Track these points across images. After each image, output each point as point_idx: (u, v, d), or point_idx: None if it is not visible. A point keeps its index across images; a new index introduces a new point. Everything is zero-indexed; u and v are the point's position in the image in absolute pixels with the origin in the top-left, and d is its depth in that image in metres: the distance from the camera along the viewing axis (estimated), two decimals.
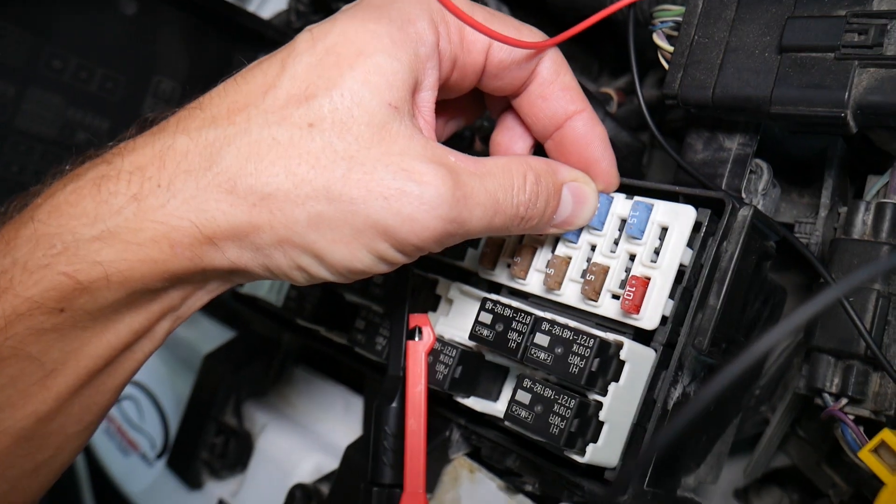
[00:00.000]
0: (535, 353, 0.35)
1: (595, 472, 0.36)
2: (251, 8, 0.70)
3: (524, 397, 0.35)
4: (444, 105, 0.36)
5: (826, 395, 0.37)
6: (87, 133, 0.58)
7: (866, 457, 0.32)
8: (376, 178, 0.30)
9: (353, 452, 0.45)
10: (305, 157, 0.30)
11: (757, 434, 0.49)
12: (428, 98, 0.34)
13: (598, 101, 0.50)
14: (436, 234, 0.31)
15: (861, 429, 0.36)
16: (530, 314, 0.36)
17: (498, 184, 0.33)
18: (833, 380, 0.37)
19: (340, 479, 0.45)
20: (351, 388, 0.54)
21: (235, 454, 0.53)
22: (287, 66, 0.31)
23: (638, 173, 0.54)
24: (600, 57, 0.70)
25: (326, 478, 0.48)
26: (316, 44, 0.31)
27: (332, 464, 0.49)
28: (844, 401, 0.36)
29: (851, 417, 0.36)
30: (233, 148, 0.30)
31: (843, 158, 0.40)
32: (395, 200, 0.30)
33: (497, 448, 0.42)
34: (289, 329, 0.54)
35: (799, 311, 0.26)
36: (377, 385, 0.47)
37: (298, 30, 0.63)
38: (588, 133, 0.37)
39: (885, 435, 0.31)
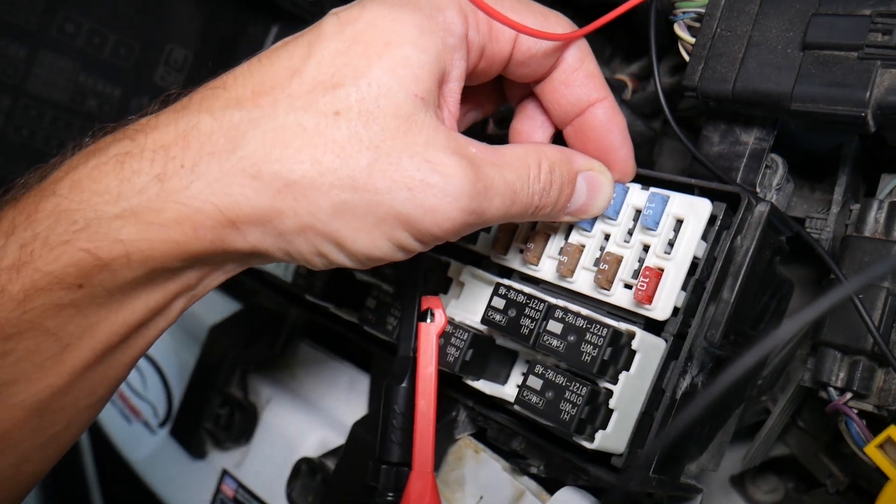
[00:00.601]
0: (547, 339, 0.36)
1: (601, 457, 0.37)
2: None
3: (535, 383, 0.36)
4: (466, 93, 0.36)
5: (831, 389, 0.38)
6: (98, 100, 0.58)
7: (872, 452, 0.33)
8: (401, 169, 0.30)
9: (360, 429, 0.46)
10: (331, 146, 0.30)
11: (756, 423, 0.50)
12: (454, 88, 0.34)
13: (613, 88, 0.50)
14: (456, 224, 0.31)
15: (864, 423, 0.36)
16: (544, 301, 0.37)
17: (515, 174, 0.33)
18: (839, 374, 0.37)
19: (347, 454, 0.45)
20: (356, 365, 0.54)
21: (240, 426, 0.54)
22: (314, 51, 0.31)
23: (649, 162, 0.55)
24: (613, 42, 0.69)
25: (332, 453, 0.48)
26: (343, 29, 0.31)
27: (336, 439, 0.50)
28: (849, 395, 0.37)
29: (855, 411, 0.36)
30: (258, 132, 0.30)
31: (858, 156, 0.40)
32: (419, 191, 0.30)
33: (503, 430, 0.42)
34: (296, 304, 0.54)
35: (812, 307, 0.26)
36: (385, 364, 0.48)
37: (314, 3, 0.63)
38: (608, 121, 0.37)
39: (892, 431, 0.32)
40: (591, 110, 0.37)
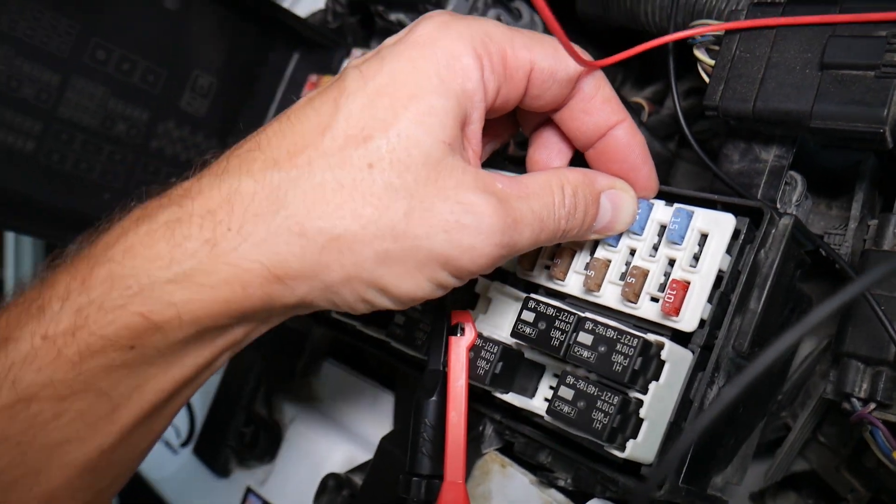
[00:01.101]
0: (578, 351, 0.37)
1: (630, 468, 0.38)
2: (285, 5, 0.71)
3: (567, 393, 0.37)
4: (484, 126, 0.38)
5: (854, 400, 0.38)
6: (127, 124, 0.60)
7: None
8: (436, 214, 0.32)
9: (388, 444, 0.46)
10: (369, 199, 0.31)
11: (776, 439, 0.51)
12: (476, 129, 0.35)
13: (632, 110, 0.51)
14: (491, 259, 0.33)
15: (889, 431, 0.37)
16: (573, 314, 0.38)
17: (541, 203, 0.34)
18: (862, 385, 0.38)
19: (375, 468, 0.46)
20: (380, 383, 0.55)
21: (265, 444, 0.54)
22: (341, 106, 0.32)
23: (665, 182, 0.56)
24: (625, 67, 0.71)
25: (359, 468, 0.49)
26: (367, 83, 0.33)
27: (362, 456, 0.50)
28: (872, 405, 0.38)
29: (881, 420, 0.37)
30: (299, 192, 0.31)
31: (875, 173, 0.42)
32: (455, 233, 0.32)
33: (530, 444, 0.43)
34: (320, 323, 0.55)
35: (825, 304, 0.27)
36: (410, 380, 0.49)
37: (335, 31, 0.65)
38: (629, 141, 0.38)
39: None
40: (611, 133, 0.38)
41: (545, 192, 0.35)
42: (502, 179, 0.34)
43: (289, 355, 0.59)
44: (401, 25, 0.60)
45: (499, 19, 0.59)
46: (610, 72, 0.70)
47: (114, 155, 0.60)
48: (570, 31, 0.67)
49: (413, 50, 0.33)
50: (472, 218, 0.32)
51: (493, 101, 0.35)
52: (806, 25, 0.38)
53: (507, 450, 0.46)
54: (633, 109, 0.52)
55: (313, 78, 0.63)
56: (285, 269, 0.31)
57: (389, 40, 0.35)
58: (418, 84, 0.32)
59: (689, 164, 0.59)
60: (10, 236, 0.92)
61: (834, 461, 0.49)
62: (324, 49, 0.65)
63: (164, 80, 0.60)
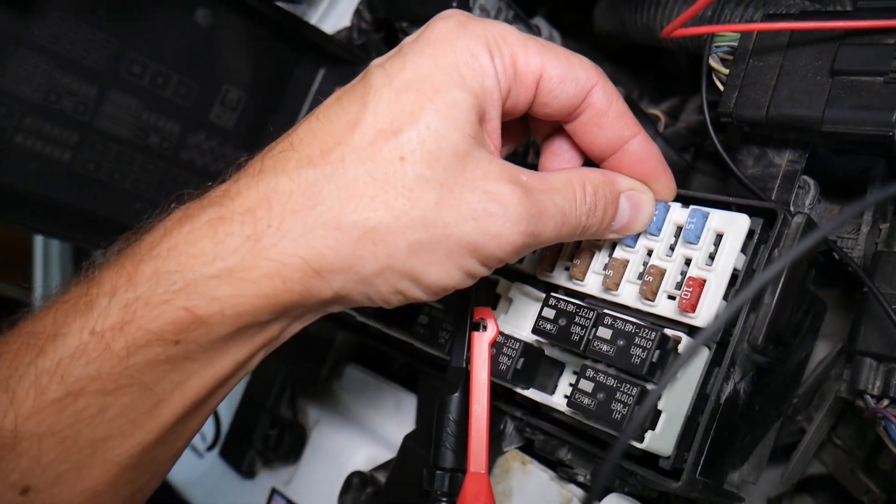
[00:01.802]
0: (597, 345, 0.38)
1: (649, 460, 0.39)
2: (312, 21, 0.74)
3: (587, 386, 0.38)
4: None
5: (868, 397, 0.39)
6: (159, 136, 0.62)
7: None
8: (465, 203, 0.33)
9: (411, 442, 0.47)
10: (401, 191, 0.32)
11: (791, 444, 0.51)
12: (495, 126, 0.36)
13: (649, 121, 0.53)
14: (517, 247, 0.34)
15: None
16: (593, 309, 0.39)
17: (563, 197, 0.36)
18: (875, 382, 0.39)
19: (398, 465, 0.47)
20: (402, 385, 0.56)
21: (289, 445, 0.55)
22: (369, 103, 0.34)
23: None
24: (641, 83, 0.73)
25: (382, 466, 0.50)
26: (392, 80, 0.34)
27: (385, 455, 0.51)
28: (886, 402, 0.39)
29: (893, 415, 0.38)
30: (333, 187, 0.33)
31: (886, 177, 0.43)
32: (483, 220, 0.33)
33: (550, 440, 0.44)
34: (343, 328, 0.57)
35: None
36: (432, 380, 0.50)
37: (360, 47, 0.67)
38: (644, 153, 0.39)
39: None
40: (626, 147, 0.39)
41: (567, 188, 0.36)
42: (527, 173, 0.35)
43: (313, 361, 0.60)
44: None
45: None
46: (626, 86, 0.72)
47: (146, 165, 0.62)
48: (586, 46, 0.69)
49: (433, 47, 0.34)
50: (499, 207, 0.33)
51: (504, 100, 0.36)
52: (818, 33, 0.40)
53: (527, 448, 0.47)
54: (650, 120, 0.54)
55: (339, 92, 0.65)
56: (322, 262, 0.32)
57: (409, 38, 0.36)
58: (441, 80, 0.34)
59: (704, 175, 0.61)
60: (38, 240, 0.94)
61: (849, 463, 0.49)
62: (349, 65, 0.68)
63: (195, 93, 0.63)
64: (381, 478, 0.49)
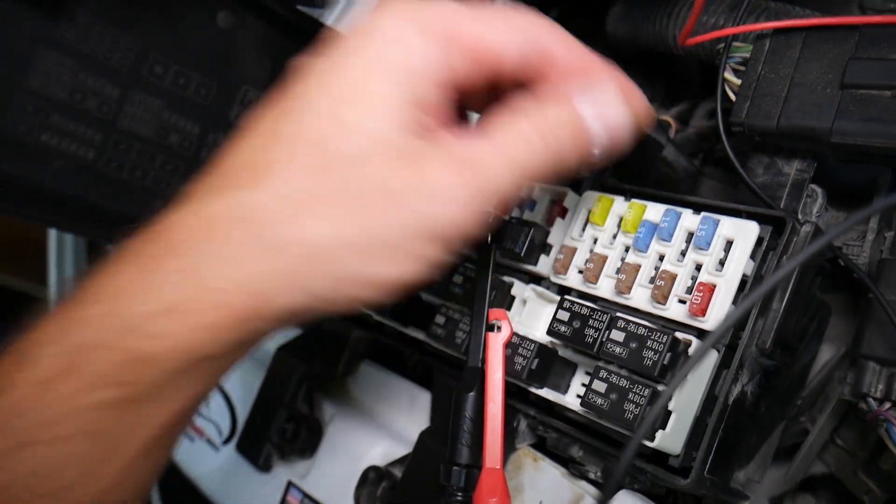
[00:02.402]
0: (610, 347, 0.39)
1: (658, 458, 0.40)
2: (329, 21, 0.75)
3: (600, 386, 0.39)
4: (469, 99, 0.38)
5: (870, 400, 0.41)
6: (179, 135, 0.63)
7: None
8: (405, 198, 0.31)
9: (427, 437, 0.49)
10: (338, 200, 0.31)
11: (795, 444, 0.53)
12: (437, 105, 0.34)
13: (660, 127, 0.54)
14: (472, 221, 0.32)
15: None
16: (606, 312, 0.41)
17: (513, 147, 0.33)
18: (878, 385, 0.40)
19: (414, 461, 0.49)
20: (416, 382, 0.58)
21: (305, 439, 0.57)
22: (291, 113, 0.32)
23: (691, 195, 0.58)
24: (653, 87, 0.74)
25: (398, 461, 0.51)
26: (309, 87, 0.33)
27: (399, 451, 0.53)
28: (888, 405, 0.40)
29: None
30: (269, 207, 0.31)
31: (892, 187, 0.44)
32: (427, 209, 0.31)
33: (562, 438, 0.46)
34: (358, 326, 0.58)
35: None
36: (447, 378, 0.51)
37: None
38: (557, 43, 0.36)
39: None
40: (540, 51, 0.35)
41: (513, 135, 0.33)
42: (470, 143, 0.33)
43: (329, 358, 0.62)
44: None
45: None
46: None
47: (166, 164, 0.63)
48: (598, 49, 0.70)
49: (356, 40, 0.33)
50: (439, 191, 0.31)
51: (451, 79, 0.34)
52: (828, 48, 0.41)
53: (539, 445, 0.48)
54: (661, 126, 0.55)
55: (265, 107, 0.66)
56: (267, 285, 0.31)
57: (335, 39, 0.35)
58: (364, 76, 0.32)
59: (713, 181, 0.62)
60: (52, 234, 0.95)
61: (851, 464, 0.51)
62: None
63: (215, 93, 0.64)
64: (397, 472, 0.50)
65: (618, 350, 0.39)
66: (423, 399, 0.55)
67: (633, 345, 0.39)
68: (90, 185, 0.60)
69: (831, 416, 0.48)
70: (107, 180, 0.61)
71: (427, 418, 0.54)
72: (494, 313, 0.44)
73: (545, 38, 0.35)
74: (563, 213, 0.48)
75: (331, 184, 0.31)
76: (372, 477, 0.51)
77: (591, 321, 0.41)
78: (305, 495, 0.56)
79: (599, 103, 0.35)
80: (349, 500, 0.52)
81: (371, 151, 0.32)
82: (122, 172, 0.61)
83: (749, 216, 0.41)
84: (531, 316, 0.47)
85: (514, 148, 0.33)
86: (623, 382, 0.38)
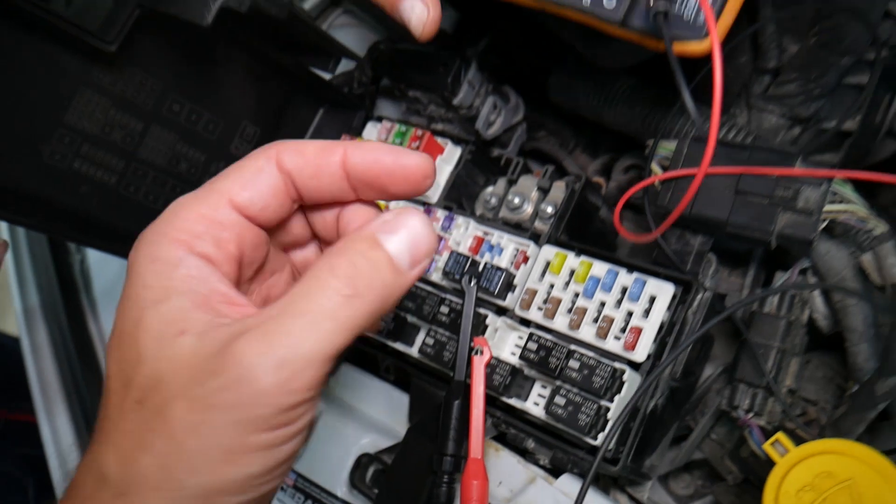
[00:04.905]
0: (568, 372, 0.54)
1: (594, 451, 0.56)
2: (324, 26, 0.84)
3: (560, 401, 0.54)
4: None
5: (739, 410, 0.58)
6: (188, 164, 0.72)
7: (767, 448, 0.52)
8: (198, 408, 0.30)
9: (414, 431, 0.62)
10: (140, 442, 0.31)
11: (681, 436, 0.70)
12: (225, 291, 0.34)
13: (595, 190, 0.69)
14: (279, 389, 0.30)
15: (760, 431, 0.57)
16: (566, 347, 0.55)
17: (318, 309, 0.31)
18: (745, 400, 0.58)
19: (404, 450, 0.62)
20: (391, 384, 0.70)
21: None
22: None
23: (613, 247, 0.74)
24: (578, 136, 0.89)
25: (387, 450, 0.65)
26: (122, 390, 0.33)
27: (384, 442, 0.66)
28: (751, 414, 0.57)
29: (756, 425, 0.57)
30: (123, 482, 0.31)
31: (762, 258, 0.61)
32: (239, 414, 0.30)
33: (519, 434, 0.60)
34: None
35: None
36: (424, 385, 0.65)
37: (358, 96, 0.79)
38: (363, 158, 0.36)
39: (779, 435, 0.52)
40: (342, 165, 0.36)
41: (308, 288, 0.32)
42: (255, 319, 0.31)
43: None
44: (418, 102, 0.76)
45: (494, 105, 0.76)
46: (565, 137, 0.88)
47: (175, 188, 0.72)
48: (546, 110, 0.84)
49: (123, 288, 0.34)
50: (245, 388, 0.30)
51: (240, 256, 0.36)
52: (730, 158, 0.57)
53: (499, 438, 0.63)
54: (596, 190, 0.70)
55: (346, 138, 0.78)
56: None
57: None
58: (133, 318, 0.33)
59: (631, 224, 0.78)
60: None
61: (720, 452, 0.68)
62: (346, 108, 0.80)
63: (220, 128, 0.74)
64: (387, 459, 0.63)
65: (573, 375, 0.54)
66: (399, 398, 0.68)
67: (585, 372, 0.54)
68: (110, 207, 0.69)
69: (710, 418, 0.65)
70: (124, 202, 0.70)
71: (404, 415, 0.67)
72: (478, 340, 0.58)
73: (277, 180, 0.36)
74: (526, 259, 0.63)
75: (147, 416, 0.31)
76: (364, 461, 0.63)
77: (553, 352, 0.56)
78: (299, 475, 0.68)
79: (401, 227, 0.34)
80: (340, 481, 0.65)
81: (169, 368, 0.31)
82: (138, 195, 0.70)
83: (667, 278, 0.57)
84: (501, 340, 0.61)
85: (311, 304, 0.31)
86: (577, 399, 0.54)
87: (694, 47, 0.46)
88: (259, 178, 0.35)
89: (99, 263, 0.99)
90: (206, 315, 0.32)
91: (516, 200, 0.66)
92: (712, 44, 0.40)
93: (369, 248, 0.33)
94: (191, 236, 0.34)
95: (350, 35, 0.90)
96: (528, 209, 0.66)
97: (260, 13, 0.56)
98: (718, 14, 0.45)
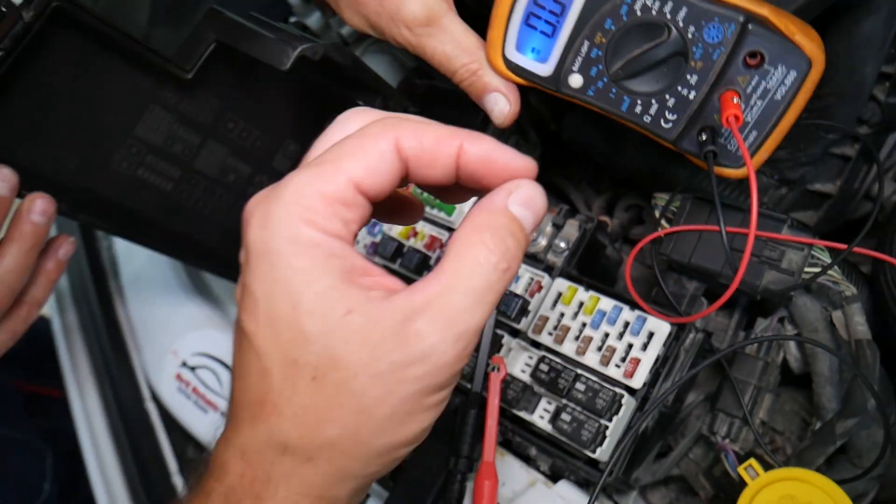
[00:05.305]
0: (574, 393, 0.62)
1: (593, 462, 0.64)
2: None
3: (566, 417, 0.62)
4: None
5: (718, 436, 0.66)
6: (235, 175, 0.79)
7: (741, 471, 0.61)
8: (397, 374, 0.34)
9: (431, 433, 0.70)
10: (342, 402, 0.34)
11: (662, 453, 0.78)
12: (370, 272, 0.36)
13: (602, 229, 0.77)
14: (462, 360, 0.35)
15: (735, 456, 0.65)
16: (573, 371, 0.63)
17: (472, 279, 0.35)
18: (723, 428, 0.66)
19: (421, 447, 0.69)
20: None
21: None
22: (264, 342, 0.34)
23: (615, 278, 0.82)
24: (583, 169, 0.97)
25: None
26: (258, 322, 0.35)
27: None
28: (728, 440, 0.66)
29: (732, 449, 0.65)
30: (293, 432, 0.34)
31: (747, 304, 0.70)
32: (418, 372, 0.34)
33: (524, 442, 0.68)
34: None
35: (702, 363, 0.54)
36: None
37: None
38: (481, 148, 0.37)
39: (751, 461, 0.61)
40: (461, 158, 0.37)
41: (470, 267, 0.35)
42: (421, 289, 0.34)
43: None
44: None
45: (516, 143, 0.84)
46: (573, 172, 0.96)
47: (222, 197, 0.80)
48: (556, 149, 0.91)
49: (263, 265, 0.34)
50: (428, 351, 0.33)
51: (352, 236, 0.36)
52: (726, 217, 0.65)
53: (505, 444, 0.71)
54: (603, 229, 0.78)
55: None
56: (321, 490, 0.35)
57: (245, 263, 0.36)
58: (289, 301, 0.34)
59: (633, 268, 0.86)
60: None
61: (696, 470, 0.77)
62: None
63: (267, 145, 0.81)
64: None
65: (579, 395, 0.62)
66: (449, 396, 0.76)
67: (590, 394, 0.62)
68: (164, 211, 0.76)
69: (690, 440, 0.74)
70: (178, 207, 0.77)
71: None
72: (495, 359, 0.66)
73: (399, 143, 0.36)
74: (540, 288, 0.71)
75: (328, 392, 0.34)
76: None
77: (562, 374, 0.64)
78: None
79: (527, 200, 0.37)
80: None
81: (343, 347, 0.33)
82: (189, 201, 0.77)
83: (665, 317, 0.65)
84: (513, 359, 0.69)
85: (477, 281, 0.35)
86: (582, 417, 0.62)
87: (731, 172, 0.56)
88: (383, 163, 0.35)
89: (125, 252, 1.06)
90: (359, 291, 0.34)
91: (533, 234, 0.74)
92: (749, 173, 0.50)
93: (510, 221, 0.36)
94: (322, 217, 0.34)
95: (381, 62, 0.97)
96: (543, 242, 0.74)
97: (328, 61, 0.63)
98: (754, 152, 0.54)
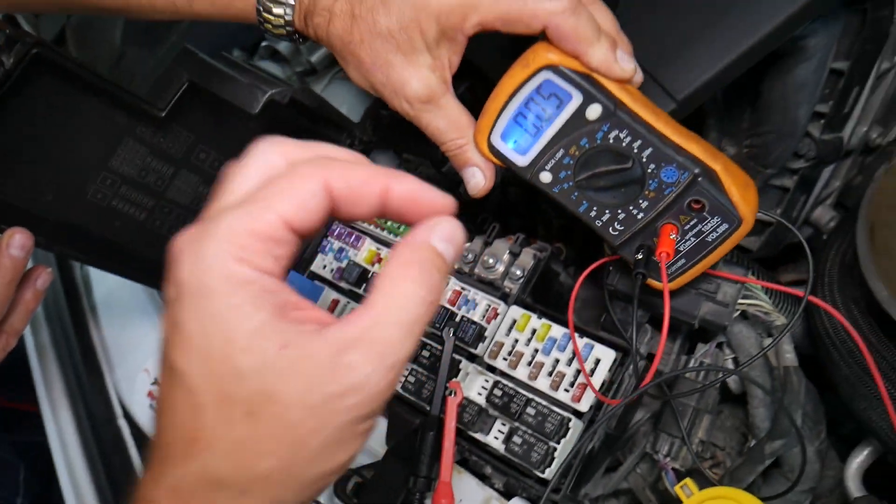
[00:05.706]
0: (525, 417, 0.67)
1: (543, 482, 0.68)
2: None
3: (518, 440, 0.67)
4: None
5: (660, 454, 0.71)
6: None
7: (677, 490, 0.66)
8: (329, 405, 0.34)
9: (391, 453, 0.74)
10: (276, 434, 0.34)
11: (611, 467, 0.83)
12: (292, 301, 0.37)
13: (556, 256, 0.82)
14: (390, 386, 0.35)
15: (674, 474, 0.70)
16: (525, 396, 0.68)
17: (403, 312, 0.36)
18: (665, 447, 0.71)
19: (382, 468, 0.73)
20: None
21: None
22: (194, 380, 0.35)
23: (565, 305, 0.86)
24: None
25: (364, 467, 0.76)
26: (188, 356, 0.35)
27: (367, 459, 0.77)
28: (668, 458, 0.71)
29: (671, 467, 0.70)
30: (224, 466, 0.35)
31: (688, 331, 0.75)
32: (350, 403, 0.34)
33: (479, 461, 0.73)
34: None
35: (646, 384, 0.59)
36: (403, 413, 0.76)
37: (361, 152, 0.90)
38: (408, 192, 0.39)
39: (686, 481, 0.65)
40: (387, 201, 0.38)
41: (398, 299, 0.36)
42: (359, 331, 0.35)
43: None
44: (409, 162, 0.87)
45: None
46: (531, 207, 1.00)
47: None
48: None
49: (193, 306, 0.35)
50: (361, 381, 0.34)
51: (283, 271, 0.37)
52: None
53: (463, 462, 0.75)
54: (556, 255, 0.82)
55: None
56: None
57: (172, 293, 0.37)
58: (224, 337, 0.34)
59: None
60: None
61: (643, 484, 0.82)
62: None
63: None
64: (367, 474, 0.75)
65: (529, 419, 0.67)
66: (378, 422, 0.80)
67: (539, 418, 0.66)
68: (138, 239, 0.79)
69: (636, 456, 0.79)
70: (151, 236, 0.80)
71: (382, 435, 0.79)
72: (452, 384, 0.71)
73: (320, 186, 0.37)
74: (496, 315, 0.75)
75: (263, 425, 0.34)
76: (347, 474, 0.75)
77: (514, 398, 0.68)
78: None
79: (449, 235, 0.38)
80: (326, 490, 0.76)
81: (279, 381, 0.34)
82: (162, 230, 0.81)
83: (611, 345, 0.70)
84: (470, 382, 0.73)
85: (405, 314, 0.36)
86: (532, 439, 0.66)
87: (656, 285, 0.62)
88: (312, 202, 0.36)
89: (98, 272, 1.08)
90: (293, 325, 0.35)
91: (490, 261, 0.78)
92: (664, 298, 0.60)
93: (435, 256, 0.37)
94: (254, 254, 0.35)
95: (349, 91, 1.01)
96: (500, 269, 0.78)
97: (296, 103, 0.67)
98: (678, 276, 0.63)
